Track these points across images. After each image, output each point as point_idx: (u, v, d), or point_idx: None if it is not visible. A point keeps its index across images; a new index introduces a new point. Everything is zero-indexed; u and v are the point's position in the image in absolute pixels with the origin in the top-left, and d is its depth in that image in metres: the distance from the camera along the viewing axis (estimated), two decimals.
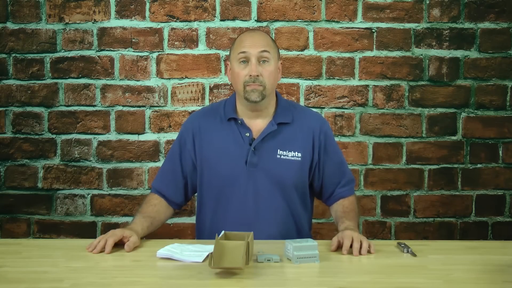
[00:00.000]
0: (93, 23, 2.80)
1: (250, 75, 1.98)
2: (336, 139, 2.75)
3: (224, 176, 2.03)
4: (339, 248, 1.82)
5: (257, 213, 2.01)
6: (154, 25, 2.80)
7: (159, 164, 2.80)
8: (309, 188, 2.13)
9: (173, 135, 2.79)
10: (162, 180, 2.14)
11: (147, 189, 2.82)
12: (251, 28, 2.76)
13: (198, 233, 2.17)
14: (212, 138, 2.07)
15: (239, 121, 2.05)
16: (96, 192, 2.84)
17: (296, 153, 2.04)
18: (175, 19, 2.79)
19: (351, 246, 1.80)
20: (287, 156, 2.04)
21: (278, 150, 2.04)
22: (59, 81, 2.81)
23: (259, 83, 1.98)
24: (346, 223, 1.98)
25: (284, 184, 2.02)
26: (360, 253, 1.78)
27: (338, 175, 2.13)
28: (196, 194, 2.16)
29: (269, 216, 2.02)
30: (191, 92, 2.80)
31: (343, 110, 2.81)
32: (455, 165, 2.83)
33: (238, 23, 2.78)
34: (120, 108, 2.81)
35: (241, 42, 2.03)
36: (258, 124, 2.06)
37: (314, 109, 2.67)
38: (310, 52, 2.80)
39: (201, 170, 2.08)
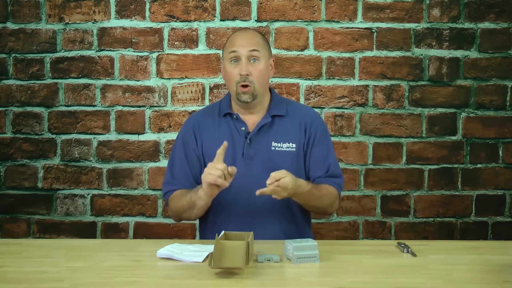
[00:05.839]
0: (93, 23, 2.80)
1: (241, 74, 2.02)
2: (336, 139, 2.77)
3: None
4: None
5: (255, 205, 2.01)
6: (154, 25, 2.80)
7: (159, 164, 2.80)
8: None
9: (173, 135, 2.78)
10: (175, 183, 2.09)
11: (147, 189, 2.82)
12: (250, 28, 2.75)
13: (201, 230, 2.19)
14: (210, 134, 2.10)
15: (235, 116, 2.09)
16: (96, 192, 2.83)
17: (291, 144, 2.08)
18: (175, 19, 2.79)
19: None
20: (282, 147, 2.07)
21: (273, 142, 2.07)
22: (59, 81, 2.81)
23: (248, 83, 2.01)
24: (303, 181, 1.95)
25: None
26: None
27: (322, 168, 2.10)
28: None
29: (267, 207, 2.02)
30: (191, 92, 2.80)
31: (343, 110, 2.81)
32: (455, 165, 2.83)
33: (238, 23, 2.78)
34: (120, 108, 2.81)
35: (232, 41, 2.08)
36: (253, 118, 2.10)
37: (314, 109, 2.67)
38: (310, 52, 2.80)
39: (205, 165, 2.08)
